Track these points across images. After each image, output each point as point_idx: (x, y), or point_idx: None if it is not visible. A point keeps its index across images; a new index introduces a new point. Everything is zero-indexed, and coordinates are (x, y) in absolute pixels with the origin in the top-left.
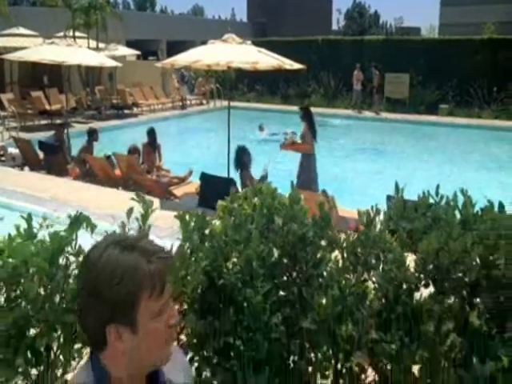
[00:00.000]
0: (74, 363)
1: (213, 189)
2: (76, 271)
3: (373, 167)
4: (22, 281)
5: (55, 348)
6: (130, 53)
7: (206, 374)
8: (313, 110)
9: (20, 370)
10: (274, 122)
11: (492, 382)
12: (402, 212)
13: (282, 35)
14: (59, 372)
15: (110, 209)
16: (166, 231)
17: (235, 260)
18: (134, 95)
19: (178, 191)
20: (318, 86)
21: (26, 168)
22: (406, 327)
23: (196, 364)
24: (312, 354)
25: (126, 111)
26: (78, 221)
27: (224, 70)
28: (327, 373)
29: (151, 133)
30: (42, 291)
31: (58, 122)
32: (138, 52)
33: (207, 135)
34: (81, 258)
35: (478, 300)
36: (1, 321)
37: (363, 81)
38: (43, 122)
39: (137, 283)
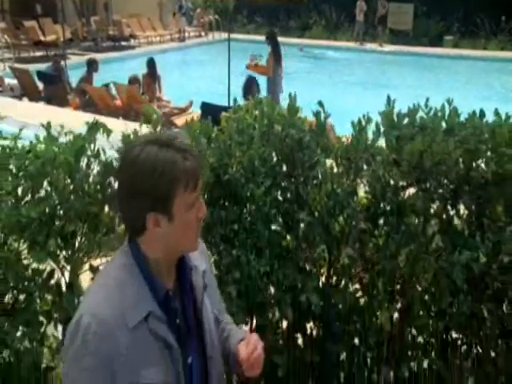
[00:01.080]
0: (96, 250)
1: (214, 117)
2: (96, 169)
3: (374, 101)
4: (49, 178)
5: (80, 236)
6: None
7: (214, 257)
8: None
9: (51, 249)
10: None
11: (468, 269)
12: (391, 121)
13: None
14: (85, 258)
15: None
16: None
17: (239, 160)
18: (131, 26)
19: (179, 121)
20: (320, 17)
21: (25, 99)
22: (392, 222)
23: None
24: (307, 248)
25: (123, 43)
26: (96, 126)
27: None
28: (322, 262)
29: (151, 63)
30: (68, 184)
31: (54, 53)
32: None
33: (206, 68)
34: (100, 159)
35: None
36: (34, 210)
37: (366, 11)
38: (38, 53)
39: (174, 177)
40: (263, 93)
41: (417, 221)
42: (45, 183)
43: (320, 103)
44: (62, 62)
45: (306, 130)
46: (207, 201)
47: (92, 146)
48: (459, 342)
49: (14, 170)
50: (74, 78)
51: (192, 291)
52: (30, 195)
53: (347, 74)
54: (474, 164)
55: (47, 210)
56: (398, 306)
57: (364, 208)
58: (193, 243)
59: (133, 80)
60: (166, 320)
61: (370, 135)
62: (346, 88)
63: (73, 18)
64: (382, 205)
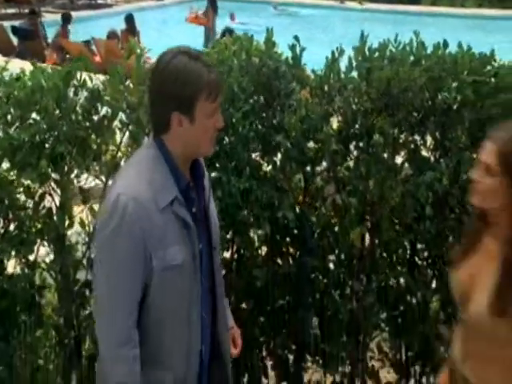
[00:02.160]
0: (85, 174)
1: None
2: (83, 97)
3: None
4: (37, 106)
5: (69, 159)
6: None
7: None
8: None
9: (43, 170)
10: (248, 14)
11: (431, 189)
12: (363, 54)
13: None
14: (74, 181)
15: None
16: None
17: None
18: None
19: None
20: None
21: None
22: (363, 146)
23: None
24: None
25: (100, 1)
26: (80, 59)
27: None
28: (297, 183)
29: (129, 19)
30: (56, 110)
31: (29, 9)
32: None
33: (185, 26)
34: (87, 87)
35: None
36: (25, 133)
37: None
38: (10, 10)
39: (198, 86)
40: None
41: (383, 141)
42: (34, 114)
43: (296, 37)
44: (39, 19)
45: (282, 61)
46: None
47: (78, 75)
48: (425, 257)
49: (3, 98)
50: (51, 35)
51: (203, 189)
52: (19, 122)
53: (325, 32)
54: (438, 94)
55: (37, 134)
56: (368, 225)
57: (336, 132)
58: (208, 147)
59: (111, 35)
60: (186, 206)
61: (343, 69)
62: (323, 45)
63: None
64: (352, 130)
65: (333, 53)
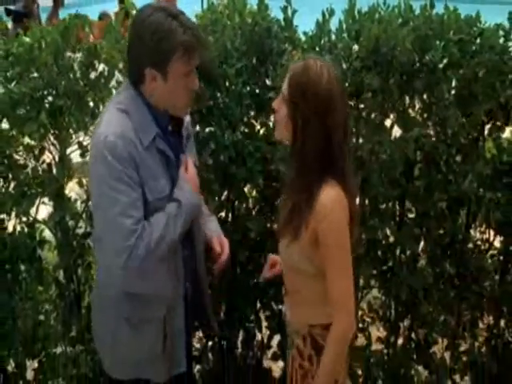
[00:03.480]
0: (83, 130)
1: None
2: (80, 54)
3: None
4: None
5: (67, 115)
6: None
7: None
8: None
9: (43, 122)
10: None
11: (418, 144)
12: (353, 17)
13: None
14: (73, 136)
15: None
16: None
17: (213, 44)
18: None
19: None
20: None
21: None
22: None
23: None
24: None
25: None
26: (77, 17)
27: None
28: None
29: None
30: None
31: None
32: None
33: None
34: (83, 45)
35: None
36: (25, 87)
37: None
38: None
39: (171, 45)
40: None
41: (372, 99)
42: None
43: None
44: (34, 3)
45: (274, 22)
46: None
47: (75, 32)
48: (413, 213)
49: (3, 54)
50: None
51: (181, 137)
52: (18, 78)
53: None
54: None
55: (37, 89)
56: (358, 179)
57: None
58: (183, 108)
59: (103, 16)
60: (167, 142)
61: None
62: (314, 9)
63: None
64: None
65: (323, 14)
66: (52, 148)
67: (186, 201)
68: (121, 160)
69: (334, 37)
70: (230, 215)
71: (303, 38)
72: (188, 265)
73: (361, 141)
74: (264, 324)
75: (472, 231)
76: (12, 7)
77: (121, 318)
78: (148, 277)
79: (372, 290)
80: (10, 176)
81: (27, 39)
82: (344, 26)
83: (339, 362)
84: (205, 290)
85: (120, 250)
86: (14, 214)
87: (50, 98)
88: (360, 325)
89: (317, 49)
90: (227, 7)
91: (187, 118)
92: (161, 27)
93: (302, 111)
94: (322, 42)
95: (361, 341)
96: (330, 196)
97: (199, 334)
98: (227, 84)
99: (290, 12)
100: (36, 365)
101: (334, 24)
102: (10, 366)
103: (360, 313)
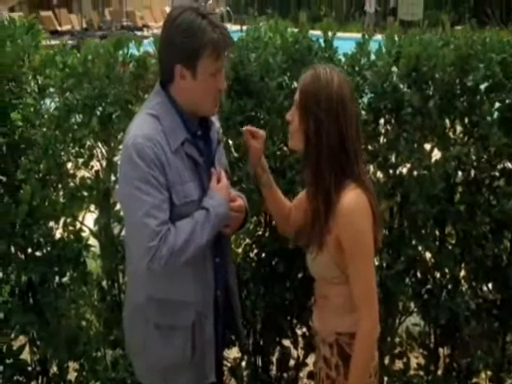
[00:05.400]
0: None
1: None
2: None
3: None
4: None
5: (116, 121)
6: None
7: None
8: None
9: (95, 128)
10: None
11: (459, 163)
12: (393, 40)
13: None
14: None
15: None
16: None
17: (255, 59)
18: (144, 17)
19: None
20: (330, 9)
21: None
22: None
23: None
24: None
25: (137, 33)
26: (127, 38)
27: None
28: None
29: None
30: (106, 80)
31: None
32: None
33: None
34: (134, 57)
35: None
36: (78, 94)
37: (377, 3)
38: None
39: (202, 41)
40: None
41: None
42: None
43: (328, 22)
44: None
45: (314, 41)
46: (227, 94)
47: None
48: (454, 235)
49: (60, 66)
50: None
51: (211, 141)
52: (73, 88)
53: None
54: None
55: (89, 99)
56: (398, 199)
57: (366, 105)
58: (211, 108)
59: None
60: (196, 147)
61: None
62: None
63: (87, 8)
64: (382, 103)
65: (363, 36)
66: (100, 155)
67: (215, 209)
68: (147, 162)
69: (373, 57)
70: (267, 226)
71: (343, 59)
72: (219, 272)
73: (400, 158)
74: (300, 340)
75: None
76: None
77: (150, 325)
78: (174, 282)
79: (410, 315)
80: (60, 185)
81: (81, 53)
82: (384, 49)
83: (368, 364)
84: (234, 298)
85: (143, 251)
86: (62, 221)
87: (100, 107)
88: (398, 349)
89: (356, 68)
90: (270, 29)
91: (217, 124)
92: (191, 25)
93: (315, 115)
94: (362, 61)
95: (399, 365)
96: (351, 199)
97: (235, 349)
98: (268, 97)
99: (330, 34)
100: (77, 367)
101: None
102: (52, 368)
103: (398, 339)
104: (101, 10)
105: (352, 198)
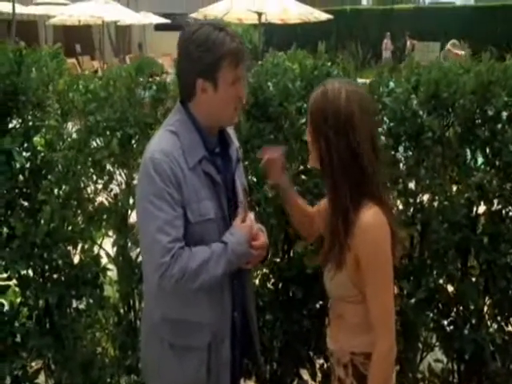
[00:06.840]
0: None
1: None
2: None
3: None
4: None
5: (136, 142)
6: (159, 21)
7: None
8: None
9: (115, 150)
10: None
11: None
12: (411, 69)
13: (311, 5)
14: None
15: None
16: None
17: (274, 84)
18: (163, 64)
19: None
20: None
21: None
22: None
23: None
24: None
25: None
26: (148, 63)
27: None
28: None
29: None
30: (127, 103)
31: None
32: (168, 20)
33: None
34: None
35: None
36: (99, 116)
37: (392, 50)
38: None
39: (221, 52)
40: None
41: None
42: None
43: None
44: None
45: (333, 68)
46: (245, 118)
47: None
48: (477, 266)
49: (83, 90)
50: None
51: (229, 159)
52: (95, 111)
53: None
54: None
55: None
56: (418, 227)
57: (386, 130)
58: (232, 117)
59: None
60: (214, 165)
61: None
62: None
63: (109, 56)
64: (401, 128)
65: (381, 66)
66: (119, 179)
67: (233, 246)
68: (163, 177)
69: (392, 84)
70: (285, 253)
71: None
72: (237, 294)
73: (420, 186)
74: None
75: None
76: None
77: (165, 344)
78: (188, 302)
79: (432, 350)
80: (79, 211)
81: (103, 78)
82: (402, 78)
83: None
84: (253, 323)
85: (154, 266)
86: (79, 246)
87: (120, 130)
88: None
89: (375, 96)
90: (289, 59)
91: (236, 143)
92: (209, 38)
93: (325, 133)
94: (381, 90)
95: None
96: (369, 217)
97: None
98: (287, 121)
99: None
100: None
101: None
102: None
103: (419, 375)
104: (122, 57)
105: (370, 215)
